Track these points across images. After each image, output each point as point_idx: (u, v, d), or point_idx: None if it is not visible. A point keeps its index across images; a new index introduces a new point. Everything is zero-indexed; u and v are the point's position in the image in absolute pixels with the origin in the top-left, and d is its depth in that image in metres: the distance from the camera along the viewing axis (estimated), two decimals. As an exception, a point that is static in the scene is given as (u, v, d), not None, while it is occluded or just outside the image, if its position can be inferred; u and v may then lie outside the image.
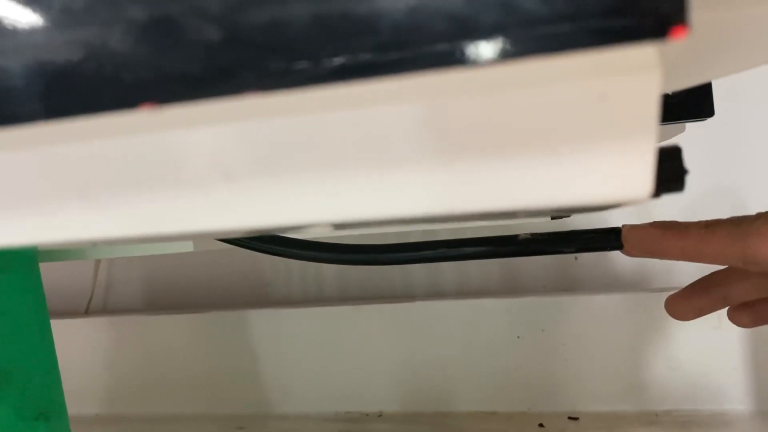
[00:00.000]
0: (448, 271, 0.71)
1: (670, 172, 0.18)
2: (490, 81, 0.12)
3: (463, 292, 0.71)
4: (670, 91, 0.21)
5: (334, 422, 0.63)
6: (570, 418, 0.61)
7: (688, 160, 0.64)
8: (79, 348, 0.73)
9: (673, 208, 0.68)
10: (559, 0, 0.10)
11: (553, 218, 0.51)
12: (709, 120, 0.68)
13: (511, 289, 0.70)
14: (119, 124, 0.13)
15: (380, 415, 0.65)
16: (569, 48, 0.10)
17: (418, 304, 0.66)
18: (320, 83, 0.11)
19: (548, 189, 0.13)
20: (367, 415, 0.65)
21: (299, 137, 0.13)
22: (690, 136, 0.68)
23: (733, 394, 0.60)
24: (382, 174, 0.14)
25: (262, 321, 0.68)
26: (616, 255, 0.61)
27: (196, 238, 0.27)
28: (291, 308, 0.68)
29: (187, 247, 0.39)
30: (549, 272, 0.71)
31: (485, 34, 0.11)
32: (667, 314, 0.37)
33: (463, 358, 0.65)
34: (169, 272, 0.78)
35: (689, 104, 0.32)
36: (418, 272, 0.72)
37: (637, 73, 0.12)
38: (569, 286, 0.70)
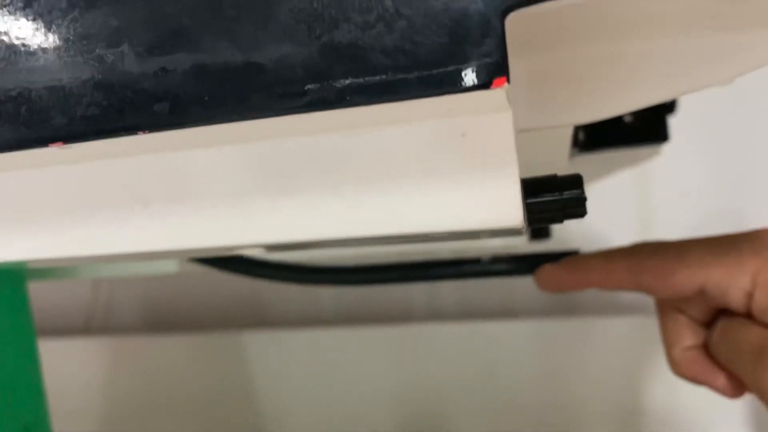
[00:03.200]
0: (448, 291, 0.72)
1: (571, 199, 0.19)
2: (355, 120, 0.14)
3: (463, 313, 0.71)
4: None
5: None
6: (569, 444, 0.61)
7: (695, 180, 0.64)
8: (78, 367, 0.74)
9: (677, 227, 0.68)
10: (399, 54, 0.12)
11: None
12: (716, 140, 0.68)
13: (511, 310, 0.70)
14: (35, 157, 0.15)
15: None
16: (407, 96, 0.12)
17: (417, 327, 0.66)
18: (207, 122, 0.13)
19: (425, 215, 0.15)
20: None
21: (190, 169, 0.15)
22: (696, 157, 0.68)
23: (732, 421, 0.60)
24: (280, 202, 0.15)
25: (259, 343, 0.70)
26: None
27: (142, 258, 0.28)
28: (288, 330, 0.69)
29: (172, 267, 0.40)
30: (549, 294, 0.71)
31: (334, 82, 0.12)
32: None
33: (462, 381, 0.66)
34: (170, 290, 0.79)
35: (643, 129, 0.33)
36: (418, 291, 0.72)
37: (490, 113, 0.14)
38: (569, 308, 0.70)
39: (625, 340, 0.63)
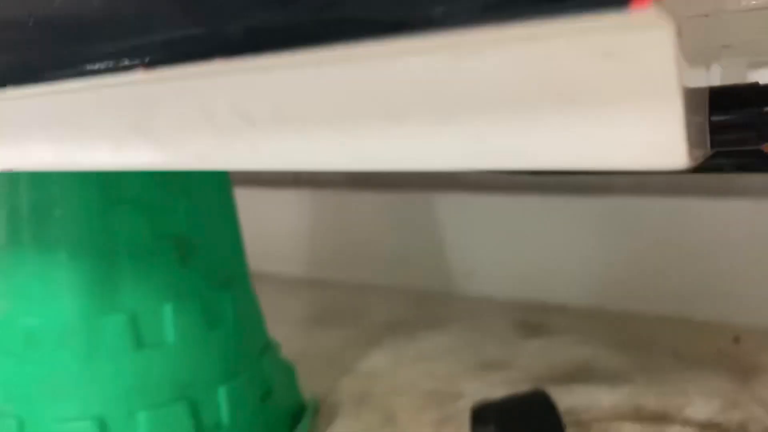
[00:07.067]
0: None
1: None
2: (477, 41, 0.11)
3: (668, 187, 0.65)
4: None
5: (512, 311, 0.64)
6: (771, 335, 0.56)
7: None
8: (286, 216, 0.81)
9: None
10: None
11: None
12: None
13: (720, 186, 0.62)
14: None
15: (563, 308, 0.64)
16: (517, 18, 0.09)
17: (615, 200, 0.62)
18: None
19: (560, 151, 0.12)
20: (548, 306, 0.65)
21: (315, 90, 0.14)
22: None
23: None
24: (402, 128, 0.13)
25: (451, 204, 0.70)
26: None
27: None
28: (480, 194, 0.68)
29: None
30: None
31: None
32: None
33: (660, 257, 0.61)
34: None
35: None
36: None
37: (640, 30, 0.10)
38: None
39: None
